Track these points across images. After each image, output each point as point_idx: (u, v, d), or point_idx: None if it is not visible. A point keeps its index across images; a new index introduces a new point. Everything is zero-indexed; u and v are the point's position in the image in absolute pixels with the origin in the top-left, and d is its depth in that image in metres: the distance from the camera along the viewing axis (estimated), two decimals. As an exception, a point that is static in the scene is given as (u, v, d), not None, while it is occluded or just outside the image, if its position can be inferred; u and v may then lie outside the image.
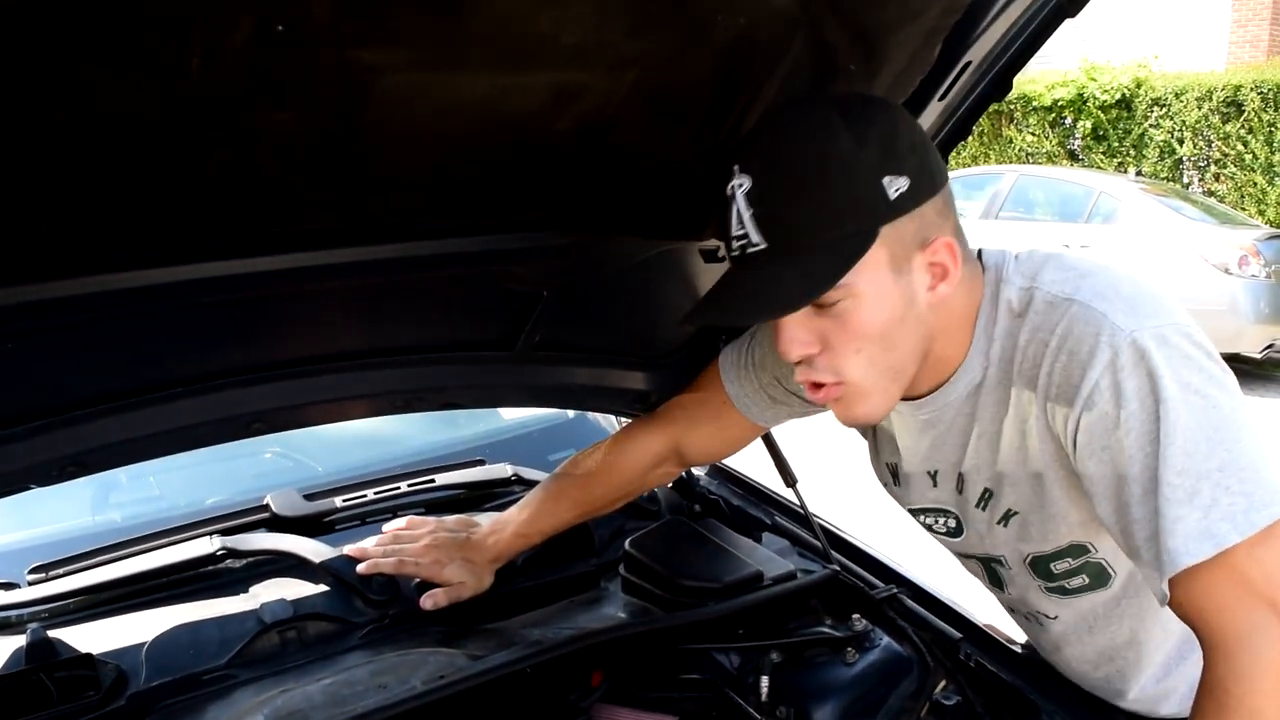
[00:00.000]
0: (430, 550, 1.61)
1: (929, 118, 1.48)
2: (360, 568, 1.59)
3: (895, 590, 1.67)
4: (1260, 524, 1.04)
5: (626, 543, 1.74)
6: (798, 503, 1.88)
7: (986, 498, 1.32)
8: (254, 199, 1.15)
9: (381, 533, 1.69)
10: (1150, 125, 13.28)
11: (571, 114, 1.19)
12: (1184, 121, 12.98)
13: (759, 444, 1.85)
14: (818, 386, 1.20)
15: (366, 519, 1.82)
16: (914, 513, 1.46)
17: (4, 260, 1.07)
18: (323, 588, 1.61)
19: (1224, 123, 12.72)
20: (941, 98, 1.45)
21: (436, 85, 1.06)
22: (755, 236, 1.10)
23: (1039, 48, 1.45)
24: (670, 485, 2.06)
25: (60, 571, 1.60)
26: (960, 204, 10.19)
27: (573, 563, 1.78)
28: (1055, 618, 1.41)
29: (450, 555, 1.61)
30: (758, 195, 1.10)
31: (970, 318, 1.22)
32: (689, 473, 2.06)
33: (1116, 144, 13.54)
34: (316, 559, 1.62)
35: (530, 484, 1.91)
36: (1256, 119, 12.47)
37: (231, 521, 1.74)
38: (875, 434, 1.48)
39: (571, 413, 2.34)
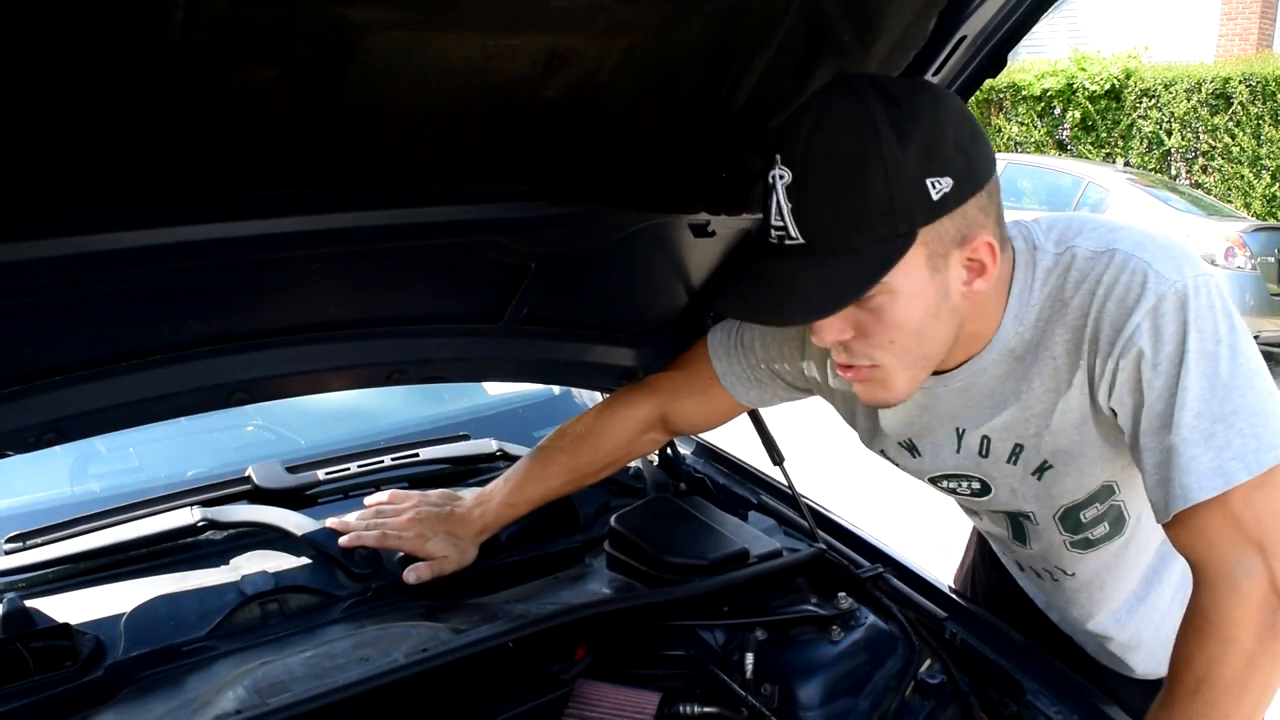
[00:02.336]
0: (413, 524, 1.59)
1: (923, 92, 1.46)
2: (342, 540, 1.58)
3: (881, 569, 1.66)
4: (1267, 464, 1.13)
5: (612, 519, 1.73)
6: (784, 481, 1.87)
7: (1017, 453, 1.36)
8: (237, 161, 1.13)
9: (364, 506, 1.67)
10: (1139, 116, 13.31)
11: (561, 80, 1.17)
12: (1172, 113, 13.02)
13: (746, 422, 1.84)
14: (848, 367, 1.23)
15: (349, 492, 1.80)
16: (935, 479, 1.49)
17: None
18: (304, 560, 1.60)
19: (1212, 115, 12.77)
20: (935, 72, 1.44)
21: (424, 46, 1.04)
22: (794, 230, 1.11)
23: (1034, 23, 1.43)
24: (656, 463, 2.06)
25: (38, 541, 1.58)
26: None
27: (557, 539, 1.77)
28: (1072, 574, 1.49)
29: (433, 529, 1.59)
30: (797, 190, 1.09)
31: (1001, 292, 1.25)
32: (675, 451, 2.05)
33: (1105, 134, 13.57)
34: (298, 531, 1.60)
35: (515, 459, 1.90)
36: (1244, 112, 12.51)
37: (212, 493, 1.73)
38: (872, 415, 1.48)
39: (557, 389, 2.33)
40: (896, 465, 1.54)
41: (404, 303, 1.55)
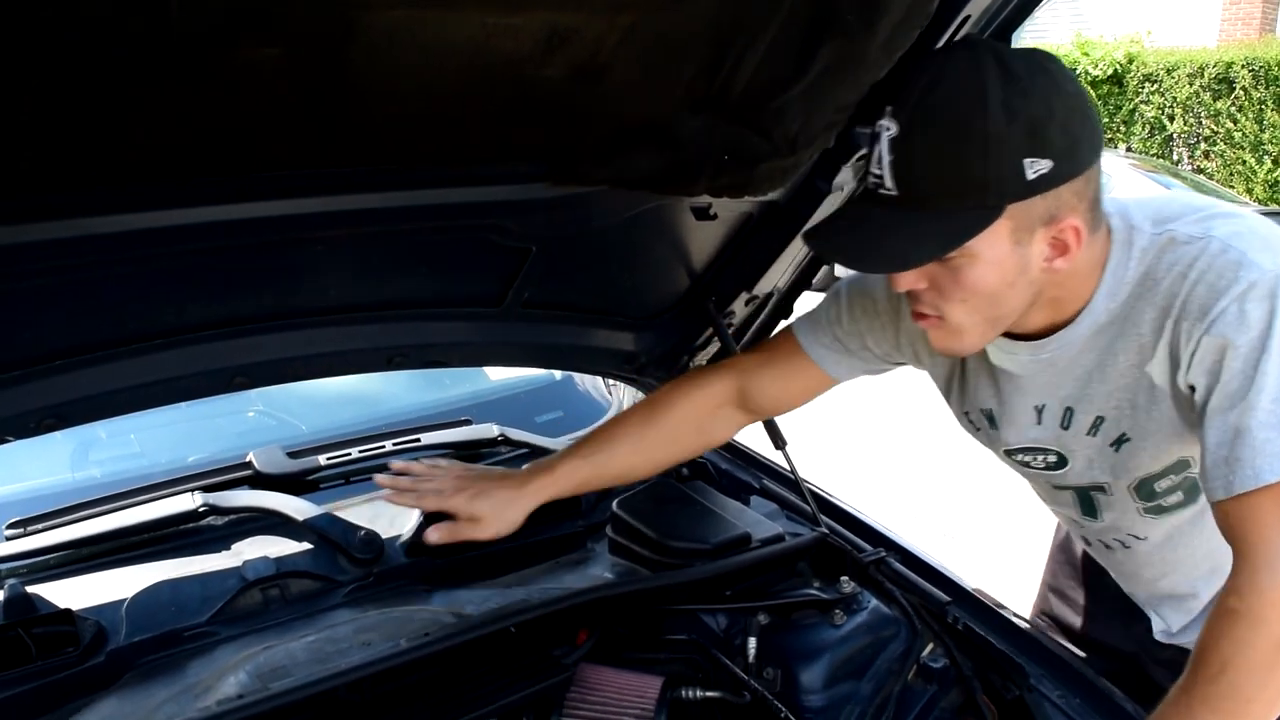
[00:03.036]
0: (461, 481, 1.50)
1: (926, 73, 1.45)
2: (387, 493, 1.49)
3: (883, 553, 1.66)
4: None
5: (614, 504, 1.73)
6: (787, 466, 1.87)
7: (1098, 425, 1.38)
8: (237, 143, 1.12)
9: (366, 492, 1.66)
10: (1141, 101, 13.27)
11: (562, 59, 1.16)
12: (1175, 98, 12.98)
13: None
14: (921, 315, 1.27)
15: (350, 477, 1.80)
16: (1009, 453, 1.51)
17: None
18: (306, 545, 1.60)
19: (1214, 100, 12.73)
20: (939, 53, 1.43)
21: (424, 24, 1.03)
22: (889, 182, 1.15)
23: (1037, 4, 1.42)
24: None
25: (39, 527, 1.58)
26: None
27: (559, 523, 1.76)
28: (1144, 538, 1.50)
29: (481, 487, 1.49)
30: (900, 145, 1.13)
31: (1094, 268, 1.26)
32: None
33: (1107, 120, 13.53)
34: (300, 517, 1.60)
35: (517, 444, 1.90)
36: (1247, 97, 12.47)
37: (214, 478, 1.72)
38: (964, 382, 1.49)
39: (559, 374, 2.32)
40: (976, 437, 1.56)
41: (405, 287, 1.55)
